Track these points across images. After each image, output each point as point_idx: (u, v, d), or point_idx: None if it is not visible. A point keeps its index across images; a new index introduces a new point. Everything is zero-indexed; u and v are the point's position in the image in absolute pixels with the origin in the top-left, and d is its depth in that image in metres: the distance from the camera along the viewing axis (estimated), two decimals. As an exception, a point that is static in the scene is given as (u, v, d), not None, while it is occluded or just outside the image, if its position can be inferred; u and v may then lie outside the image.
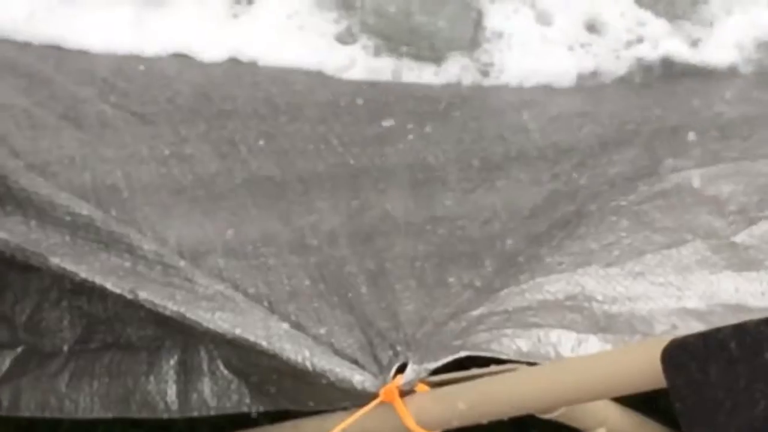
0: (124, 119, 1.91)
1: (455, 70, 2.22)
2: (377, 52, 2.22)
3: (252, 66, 2.15)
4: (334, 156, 1.95)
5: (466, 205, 1.88)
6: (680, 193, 1.89)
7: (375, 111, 2.06)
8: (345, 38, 2.23)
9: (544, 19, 2.30)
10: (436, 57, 2.23)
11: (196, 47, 2.17)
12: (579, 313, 1.68)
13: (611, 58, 2.27)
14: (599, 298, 1.71)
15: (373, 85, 2.18)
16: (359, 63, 2.22)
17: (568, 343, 1.64)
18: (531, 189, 1.92)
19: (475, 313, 1.66)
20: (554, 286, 1.72)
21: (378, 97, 2.12)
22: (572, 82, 2.24)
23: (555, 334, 1.64)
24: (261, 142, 1.95)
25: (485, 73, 2.22)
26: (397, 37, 2.22)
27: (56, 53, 2.09)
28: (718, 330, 1.24)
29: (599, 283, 1.73)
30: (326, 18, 2.26)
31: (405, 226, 1.84)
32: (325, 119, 2.02)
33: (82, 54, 2.08)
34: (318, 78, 2.17)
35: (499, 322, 1.64)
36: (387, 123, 2.02)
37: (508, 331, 1.62)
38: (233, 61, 2.16)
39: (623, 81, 2.26)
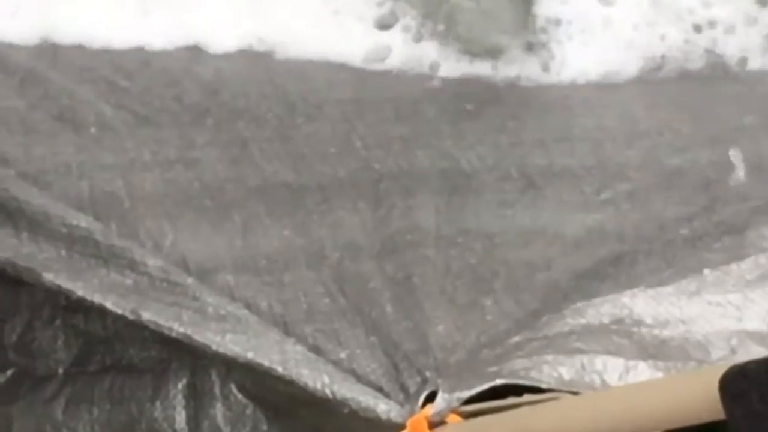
0: (126, 121, 1.86)
1: (505, 59, 2.11)
2: (417, 38, 2.10)
3: (267, 58, 2.09)
4: (356, 160, 1.87)
5: (503, 220, 1.80)
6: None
7: (402, 108, 1.97)
8: (387, 20, 2.10)
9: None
10: (483, 45, 2.12)
11: (209, 37, 2.09)
12: (627, 338, 1.62)
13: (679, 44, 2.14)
14: (649, 321, 1.64)
15: (400, 79, 2.09)
16: (396, 52, 2.13)
17: (615, 371, 1.56)
18: (575, 215, 1.83)
19: (513, 340, 1.57)
20: (598, 309, 1.64)
21: (406, 92, 2.04)
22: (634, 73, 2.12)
23: (600, 361, 1.56)
24: (275, 145, 1.87)
25: (545, 67, 2.12)
26: (438, 20, 2.10)
27: (51, 48, 2.02)
28: None
29: (649, 305, 1.65)
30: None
31: (435, 239, 1.76)
32: (347, 118, 1.93)
33: (80, 49, 2.02)
34: (341, 71, 2.09)
35: (539, 348, 1.57)
36: (412, 124, 1.92)
37: (549, 358, 1.55)
38: (247, 54, 2.09)
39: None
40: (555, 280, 1.72)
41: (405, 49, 2.13)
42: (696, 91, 2.10)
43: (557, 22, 2.17)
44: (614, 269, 1.73)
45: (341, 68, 2.10)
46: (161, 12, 2.12)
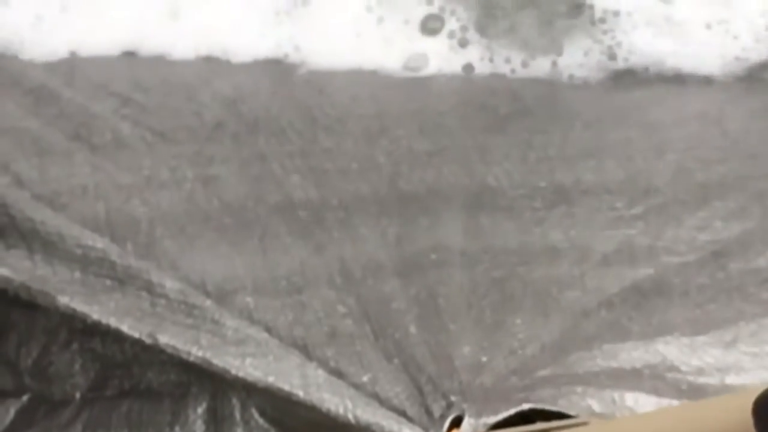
0: (143, 138, 1.83)
1: (545, 64, 2.06)
2: (463, 43, 2.05)
3: (288, 71, 2.04)
4: (379, 176, 1.83)
5: (531, 238, 1.76)
6: None
7: (427, 122, 1.93)
8: (433, 23, 2.05)
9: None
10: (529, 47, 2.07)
11: (240, 45, 2.05)
12: (661, 381, 1.58)
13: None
14: (683, 368, 1.62)
15: (428, 88, 2.03)
16: (436, 59, 2.07)
17: (648, 408, 1.55)
18: (604, 232, 1.79)
19: (541, 373, 1.54)
20: (631, 354, 1.62)
21: (431, 105, 1.99)
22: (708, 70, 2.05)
23: (632, 397, 1.53)
24: (296, 161, 1.83)
25: (612, 56, 2.06)
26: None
27: (66, 63, 2.00)
28: None
29: (683, 353, 1.62)
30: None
31: (460, 257, 1.72)
32: (370, 133, 1.90)
33: (96, 62, 1.99)
34: (364, 83, 2.04)
35: (568, 382, 1.52)
36: (437, 139, 1.89)
37: (579, 389, 1.51)
38: (268, 66, 2.05)
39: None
40: (584, 302, 1.69)
41: (447, 56, 2.07)
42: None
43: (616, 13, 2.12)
44: (644, 301, 1.71)
45: (366, 79, 2.06)
46: (191, 15, 2.09)
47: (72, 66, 1.99)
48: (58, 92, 1.91)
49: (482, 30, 2.07)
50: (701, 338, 1.65)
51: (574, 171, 1.87)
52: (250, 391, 1.58)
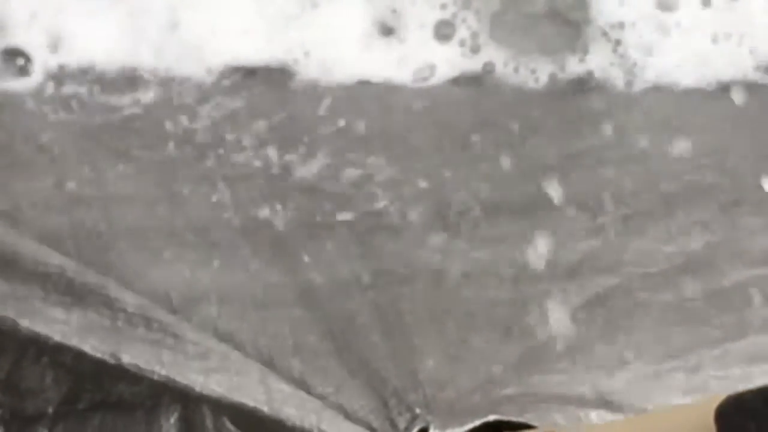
0: (107, 155, 1.78)
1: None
2: (475, 49, 2.03)
3: (254, 86, 1.96)
4: (343, 194, 1.82)
5: (495, 253, 1.76)
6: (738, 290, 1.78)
7: (392, 140, 1.88)
8: (445, 30, 2.03)
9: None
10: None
11: (246, 52, 1.97)
12: (626, 405, 1.55)
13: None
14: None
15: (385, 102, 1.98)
16: (450, 63, 2.00)
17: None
18: (567, 245, 1.79)
19: (505, 392, 1.54)
20: (595, 381, 1.63)
21: (396, 122, 1.92)
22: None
23: (596, 414, 1.53)
24: (260, 181, 1.81)
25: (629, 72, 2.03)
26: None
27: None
28: None
29: (648, 378, 1.64)
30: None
31: (425, 273, 1.73)
32: (336, 152, 1.86)
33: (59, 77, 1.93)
34: (333, 99, 1.98)
35: (533, 401, 1.52)
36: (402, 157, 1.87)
37: (543, 405, 1.51)
38: (233, 81, 1.97)
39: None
40: (547, 319, 1.70)
41: (461, 61, 2.02)
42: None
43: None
44: (610, 318, 1.72)
45: (336, 94, 1.97)
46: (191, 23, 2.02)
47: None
48: (22, 104, 1.89)
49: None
50: (666, 364, 1.67)
51: (535, 185, 1.86)
52: (221, 400, 1.59)
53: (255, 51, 1.98)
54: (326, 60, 1.97)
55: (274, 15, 2.01)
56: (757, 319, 1.73)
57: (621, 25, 2.03)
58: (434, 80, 1.97)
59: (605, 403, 1.60)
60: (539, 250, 1.78)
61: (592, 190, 1.83)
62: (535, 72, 1.95)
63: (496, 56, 1.98)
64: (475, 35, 1.99)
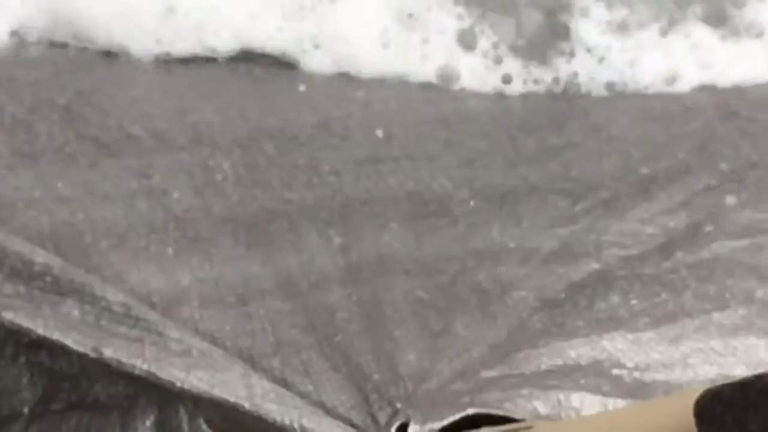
0: (86, 151, 1.81)
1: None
2: (498, 60, 2.09)
3: (234, 81, 2.00)
4: (324, 186, 1.85)
5: (476, 241, 1.80)
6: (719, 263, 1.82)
7: (371, 132, 1.94)
8: (468, 38, 2.08)
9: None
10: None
11: (257, 42, 2.02)
12: (606, 379, 1.60)
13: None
14: (629, 364, 1.66)
15: (370, 97, 2.04)
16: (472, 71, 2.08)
17: (593, 408, 1.58)
18: (548, 230, 1.83)
19: (487, 374, 1.56)
20: (576, 351, 1.66)
21: (375, 116, 1.99)
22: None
23: (577, 397, 1.56)
24: (240, 172, 1.85)
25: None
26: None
27: (6, 75, 1.96)
28: (757, 378, 1.18)
29: (629, 349, 1.67)
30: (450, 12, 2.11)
31: (405, 264, 1.76)
32: (315, 143, 1.91)
33: (36, 74, 1.94)
34: (312, 95, 2.03)
35: (514, 384, 1.54)
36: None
37: (524, 392, 1.55)
38: (213, 75, 2.01)
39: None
40: (530, 301, 1.73)
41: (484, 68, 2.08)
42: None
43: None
44: (589, 301, 1.75)
45: (314, 91, 2.03)
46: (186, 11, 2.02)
47: (11, 77, 1.96)
48: (0, 105, 1.90)
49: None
50: (647, 334, 1.70)
51: (518, 174, 1.91)
52: (197, 402, 1.59)
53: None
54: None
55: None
56: (740, 291, 1.78)
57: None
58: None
59: (584, 378, 1.63)
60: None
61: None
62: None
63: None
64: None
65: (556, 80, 2.07)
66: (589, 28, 2.11)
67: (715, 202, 1.91)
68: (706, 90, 2.12)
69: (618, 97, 2.07)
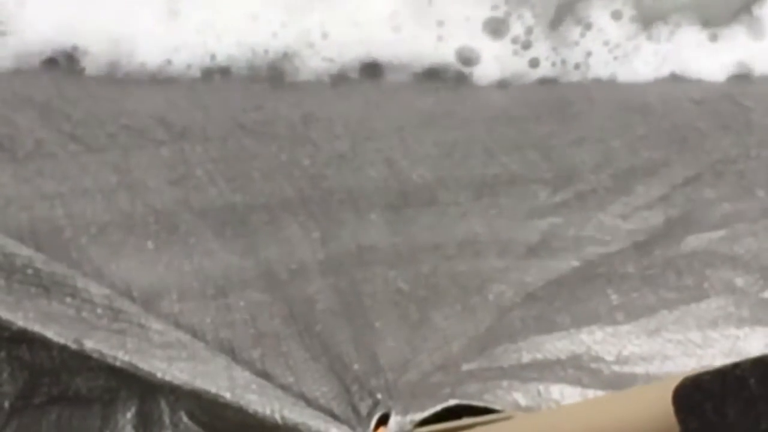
0: (66, 147, 1.83)
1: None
2: (526, 45, 2.11)
3: (215, 76, 2.04)
4: (303, 177, 1.87)
5: (455, 232, 1.82)
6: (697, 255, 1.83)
7: (350, 123, 1.97)
8: (498, 26, 2.10)
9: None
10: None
11: (260, 37, 2.05)
12: (586, 372, 1.62)
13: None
14: (608, 358, 1.67)
15: (350, 89, 2.08)
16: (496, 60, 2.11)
17: (573, 399, 1.60)
18: (527, 222, 1.85)
19: (466, 367, 1.59)
20: (555, 345, 1.68)
21: (354, 106, 2.03)
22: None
23: (557, 389, 1.58)
24: (220, 165, 1.87)
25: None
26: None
27: None
28: (735, 365, 1.17)
29: (607, 342, 1.68)
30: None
31: (385, 255, 1.78)
32: (295, 135, 1.93)
33: (16, 72, 1.98)
34: (289, 86, 2.06)
35: (494, 376, 1.57)
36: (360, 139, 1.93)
37: (504, 384, 1.56)
38: (190, 71, 2.04)
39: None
40: (509, 294, 1.75)
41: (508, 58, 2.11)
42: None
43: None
44: (569, 296, 1.77)
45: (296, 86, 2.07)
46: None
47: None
48: None
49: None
50: (625, 327, 1.71)
51: (498, 164, 1.93)
52: (178, 394, 1.60)
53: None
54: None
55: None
56: (718, 281, 1.79)
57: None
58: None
59: (564, 371, 1.65)
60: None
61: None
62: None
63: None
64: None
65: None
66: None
67: (694, 195, 1.94)
68: (687, 83, 2.16)
69: (600, 87, 2.11)
